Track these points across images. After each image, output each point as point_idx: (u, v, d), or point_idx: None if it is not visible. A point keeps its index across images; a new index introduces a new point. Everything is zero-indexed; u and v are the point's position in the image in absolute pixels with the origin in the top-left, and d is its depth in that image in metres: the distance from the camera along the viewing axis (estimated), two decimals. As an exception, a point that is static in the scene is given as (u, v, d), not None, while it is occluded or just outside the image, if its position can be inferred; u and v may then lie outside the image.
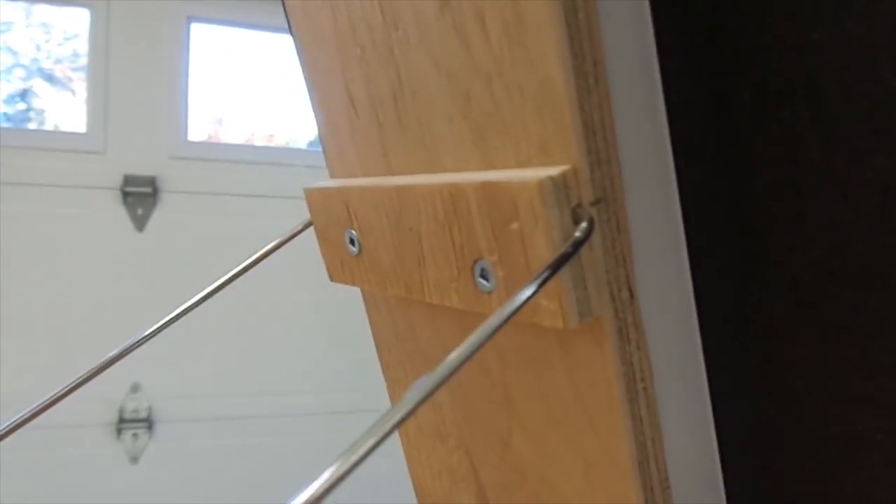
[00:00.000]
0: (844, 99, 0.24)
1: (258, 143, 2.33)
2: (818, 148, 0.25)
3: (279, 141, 2.34)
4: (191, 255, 2.04)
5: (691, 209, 0.29)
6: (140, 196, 2.14)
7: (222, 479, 2.12)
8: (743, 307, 0.30)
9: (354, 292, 0.43)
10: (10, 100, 2.12)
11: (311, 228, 0.41)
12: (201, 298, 0.39)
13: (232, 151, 2.23)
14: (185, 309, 0.37)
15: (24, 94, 2.15)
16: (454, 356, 0.23)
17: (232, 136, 2.30)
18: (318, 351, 2.15)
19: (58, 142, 2.08)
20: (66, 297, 2.01)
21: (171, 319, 0.39)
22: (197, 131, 2.21)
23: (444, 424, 0.40)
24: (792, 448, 0.30)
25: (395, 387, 0.44)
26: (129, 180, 2.12)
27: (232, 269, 0.41)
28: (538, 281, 0.24)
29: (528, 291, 0.24)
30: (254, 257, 0.41)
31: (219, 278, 0.40)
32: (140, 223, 2.15)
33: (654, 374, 0.29)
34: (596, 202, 0.26)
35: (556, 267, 0.24)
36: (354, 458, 0.20)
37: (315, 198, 0.39)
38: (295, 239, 0.40)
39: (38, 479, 1.94)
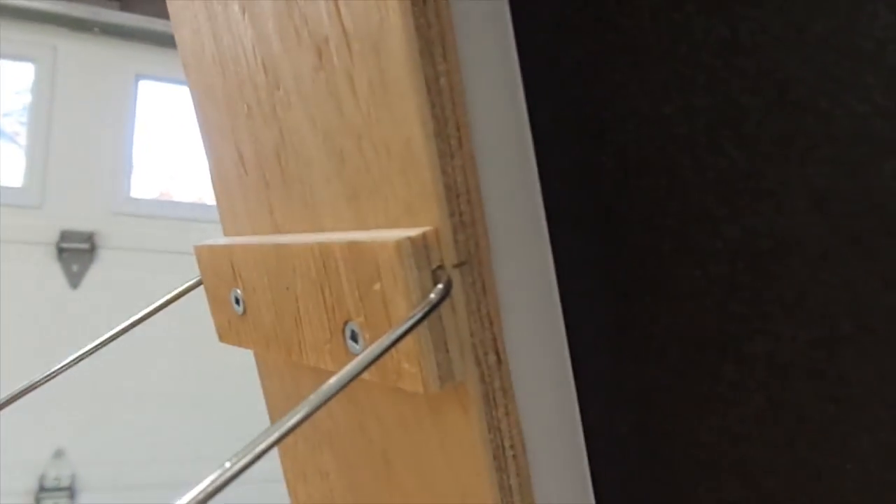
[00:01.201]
0: (695, 169, 0.24)
1: (209, 201, 2.30)
2: (674, 216, 0.25)
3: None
4: (125, 312, 1.97)
5: (565, 273, 0.29)
6: (76, 252, 2.08)
7: (147, 552, 2.00)
8: (616, 374, 0.30)
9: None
10: None
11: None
12: (78, 357, 0.37)
13: (177, 209, 2.20)
14: (57, 369, 0.36)
15: None
16: (290, 419, 0.22)
17: (184, 193, 2.27)
18: (256, 415, 2.09)
19: (-8, 195, 2.03)
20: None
21: (44, 378, 0.37)
22: (144, 188, 2.18)
23: (331, 495, 0.39)
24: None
25: (286, 452, 0.42)
26: (65, 236, 2.07)
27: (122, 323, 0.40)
28: (387, 343, 0.23)
29: (375, 353, 0.23)
30: (142, 312, 0.40)
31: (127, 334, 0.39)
32: (75, 280, 2.08)
33: (526, 441, 0.28)
34: (460, 264, 0.26)
35: (407, 330, 0.23)
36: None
37: (204, 255, 0.38)
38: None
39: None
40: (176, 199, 2.24)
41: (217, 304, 0.38)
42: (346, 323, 0.28)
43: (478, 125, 0.26)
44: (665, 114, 0.24)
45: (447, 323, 0.26)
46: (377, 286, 0.26)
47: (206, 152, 0.39)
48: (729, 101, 0.23)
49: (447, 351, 0.26)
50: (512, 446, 0.28)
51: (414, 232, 0.25)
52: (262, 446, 0.21)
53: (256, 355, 0.41)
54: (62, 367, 0.38)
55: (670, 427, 0.28)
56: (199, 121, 0.39)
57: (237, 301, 0.36)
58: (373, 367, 0.27)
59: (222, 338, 0.39)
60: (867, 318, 0.21)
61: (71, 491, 2.05)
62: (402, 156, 0.26)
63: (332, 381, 0.22)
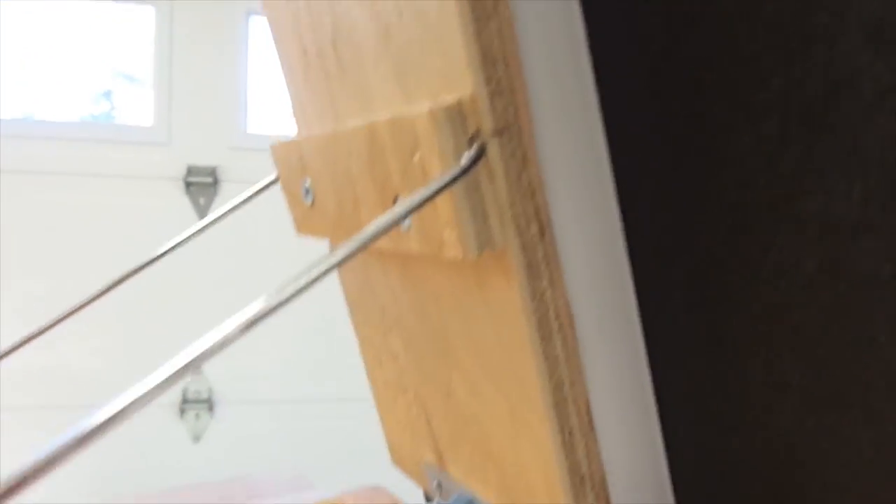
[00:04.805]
0: (741, 14, 0.23)
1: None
2: (722, 70, 0.24)
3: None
4: (250, 240, 2.11)
5: (615, 141, 0.28)
6: (202, 185, 2.22)
7: (280, 459, 2.18)
8: (668, 243, 0.29)
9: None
10: (96, 100, 2.25)
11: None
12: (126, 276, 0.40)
13: (289, 142, 2.28)
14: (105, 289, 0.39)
15: (107, 94, 2.27)
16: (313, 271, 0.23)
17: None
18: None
19: (126, 135, 2.19)
20: (131, 282, 2.11)
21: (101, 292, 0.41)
22: (259, 123, 2.27)
23: (402, 377, 0.41)
24: (723, 390, 0.29)
25: (365, 345, 0.44)
26: (191, 170, 2.21)
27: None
28: (416, 202, 0.24)
29: (406, 209, 0.24)
30: (226, 208, 0.42)
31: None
32: (202, 211, 2.23)
33: (575, 313, 0.28)
34: (498, 133, 0.26)
35: (437, 192, 0.24)
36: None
37: (278, 151, 0.40)
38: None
39: (104, 457, 2.05)
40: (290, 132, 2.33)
41: (292, 198, 0.40)
42: (395, 199, 0.29)
43: (516, -11, 0.26)
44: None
45: (485, 191, 0.26)
46: (417, 157, 0.26)
47: (277, 52, 0.41)
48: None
49: (485, 219, 0.26)
50: (558, 317, 0.28)
51: (449, 100, 0.25)
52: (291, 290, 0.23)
53: (330, 245, 0.43)
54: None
55: (723, 296, 0.27)
56: (269, 21, 0.40)
57: (307, 192, 0.38)
58: (420, 239, 0.28)
59: (299, 230, 0.41)
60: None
61: (209, 403, 2.25)
62: (439, 23, 0.26)
63: (359, 236, 0.23)
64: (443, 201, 0.26)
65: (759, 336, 0.27)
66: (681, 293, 0.29)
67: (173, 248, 0.42)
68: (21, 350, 0.39)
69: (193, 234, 0.41)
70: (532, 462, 0.31)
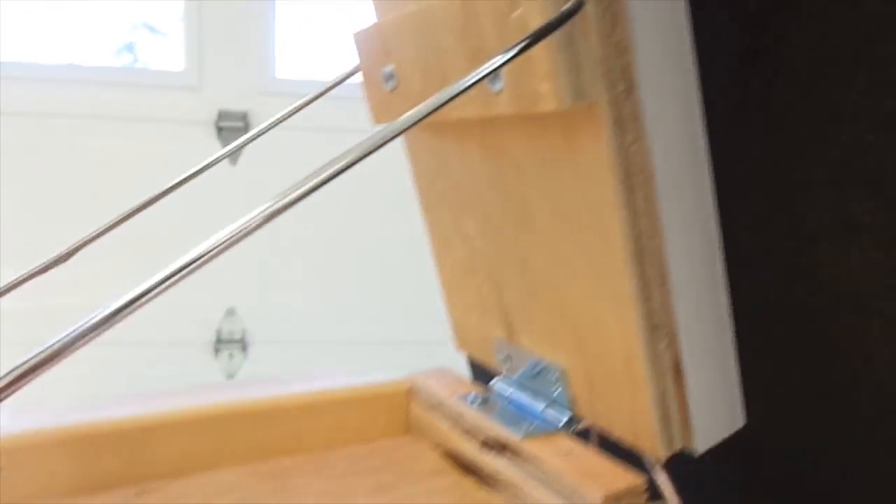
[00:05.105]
0: None
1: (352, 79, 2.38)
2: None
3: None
4: (281, 186, 2.14)
5: (697, 15, 0.30)
6: (233, 130, 2.25)
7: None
8: (748, 100, 0.31)
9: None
10: (118, 52, 2.26)
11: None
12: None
13: (318, 87, 2.29)
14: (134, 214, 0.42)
15: (129, 46, 2.29)
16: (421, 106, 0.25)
17: (325, 72, 2.36)
18: (410, 280, 2.23)
19: (158, 79, 2.21)
20: (163, 225, 2.16)
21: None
22: (287, 68, 2.28)
23: (473, 258, 0.43)
24: (791, 239, 0.31)
25: (435, 230, 0.47)
26: (222, 115, 2.24)
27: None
28: (521, 47, 0.26)
29: (508, 56, 0.26)
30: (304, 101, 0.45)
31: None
32: (233, 156, 2.26)
33: (657, 169, 0.31)
34: (593, -10, 0.28)
35: (540, 36, 0.26)
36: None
37: (360, 39, 0.42)
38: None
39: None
40: (318, 78, 2.34)
41: (371, 86, 0.42)
42: (486, 63, 0.31)
43: None
44: None
45: (580, 46, 0.28)
46: (516, 13, 0.28)
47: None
48: None
49: (579, 72, 0.28)
50: (641, 171, 0.30)
51: (549, -44, 0.27)
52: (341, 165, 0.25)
53: (408, 139, 0.45)
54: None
55: (799, 145, 0.29)
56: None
57: (388, 78, 0.40)
58: (512, 98, 0.30)
59: (376, 118, 0.43)
60: None
61: (243, 343, 2.32)
62: None
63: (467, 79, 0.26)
64: (539, 57, 0.28)
65: (835, 181, 0.29)
66: (751, 148, 0.31)
67: (199, 172, 0.44)
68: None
69: (215, 160, 0.43)
70: (608, 315, 0.33)
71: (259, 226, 0.24)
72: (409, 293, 2.23)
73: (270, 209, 0.24)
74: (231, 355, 2.33)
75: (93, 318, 0.20)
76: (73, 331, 0.20)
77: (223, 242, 0.23)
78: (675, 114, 0.31)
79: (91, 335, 0.20)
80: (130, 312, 0.21)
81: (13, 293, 0.36)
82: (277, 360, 2.30)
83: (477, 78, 0.27)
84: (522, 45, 0.26)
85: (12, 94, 2.04)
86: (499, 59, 0.27)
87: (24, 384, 0.19)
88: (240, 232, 0.23)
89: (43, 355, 0.19)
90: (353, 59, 0.43)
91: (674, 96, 0.31)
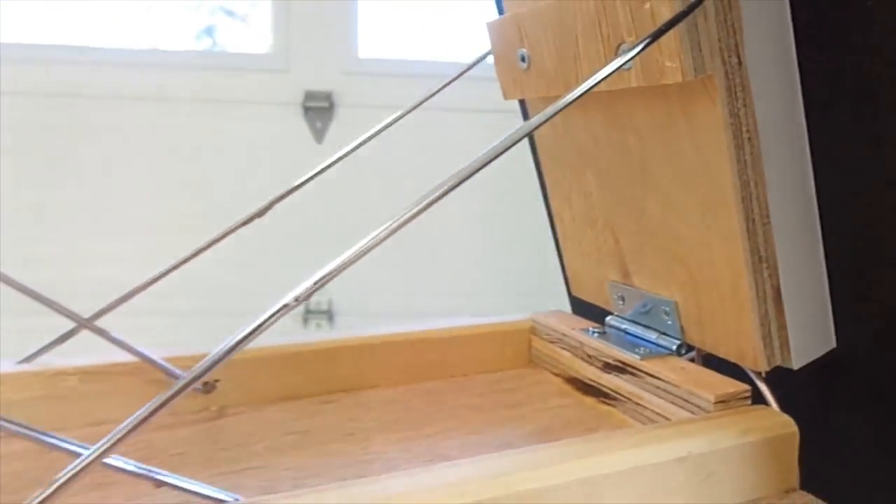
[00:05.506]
0: None
1: (431, 58, 2.45)
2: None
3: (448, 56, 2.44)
4: (366, 163, 2.25)
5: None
6: (318, 110, 2.37)
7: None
8: (842, 67, 0.37)
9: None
10: (198, 36, 2.40)
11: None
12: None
13: (400, 66, 2.38)
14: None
15: (208, 30, 2.42)
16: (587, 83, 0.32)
17: (408, 52, 2.44)
18: (492, 255, 2.31)
19: (246, 62, 2.35)
20: (255, 202, 2.30)
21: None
22: (370, 48, 2.38)
23: (592, 210, 0.51)
24: (878, 184, 0.37)
25: (555, 189, 0.55)
26: (308, 96, 2.35)
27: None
28: (654, 34, 0.33)
29: (642, 45, 0.33)
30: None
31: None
32: (319, 136, 2.38)
33: (760, 129, 0.37)
34: (711, -16, 0.34)
35: (672, 24, 0.33)
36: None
37: (494, 27, 0.49)
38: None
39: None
40: (400, 57, 2.43)
41: (503, 67, 0.50)
42: (619, 46, 0.38)
43: None
44: None
45: (700, 28, 0.35)
46: (647, 5, 0.35)
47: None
48: None
49: (700, 50, 0.35)
50: (748, 130, 0.37)
51: (677, -43, 0.34)
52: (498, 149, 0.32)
53: (532, 108, 0.52)
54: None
55: (889, 100, 0.35)
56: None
57: (522, 59, 0.47)
58: (640, 73, 0.37)
59: (507, 95, 0.51)
60: None
61: (329, 314, 2.46)
62: None
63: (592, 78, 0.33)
64: (666, 38, 0.35)
65: (911, 141, 0.35)
66: (845, 112, 0.37)
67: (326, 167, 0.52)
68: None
69: (344, 153, 0.51)
70: (718, 251, 0.40)
71: (413, 216, 0.32)
72: (492, 266, 2.32)
73: (430, 199, 0.31)
74: (319, 325, 2.47)
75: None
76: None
77: (380, 234, 0.30)
78: (776, 81, 0.37)
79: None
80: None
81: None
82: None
83: (618, 65, 0.34)
84: (656, 32, 0.33)
85: (99, 79, 2.16)
86: (636, 48, 0.34)
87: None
88: (395, 224, 0.31)
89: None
90: (429, 39, 0.51)
91: (775, 66, 0.37)
